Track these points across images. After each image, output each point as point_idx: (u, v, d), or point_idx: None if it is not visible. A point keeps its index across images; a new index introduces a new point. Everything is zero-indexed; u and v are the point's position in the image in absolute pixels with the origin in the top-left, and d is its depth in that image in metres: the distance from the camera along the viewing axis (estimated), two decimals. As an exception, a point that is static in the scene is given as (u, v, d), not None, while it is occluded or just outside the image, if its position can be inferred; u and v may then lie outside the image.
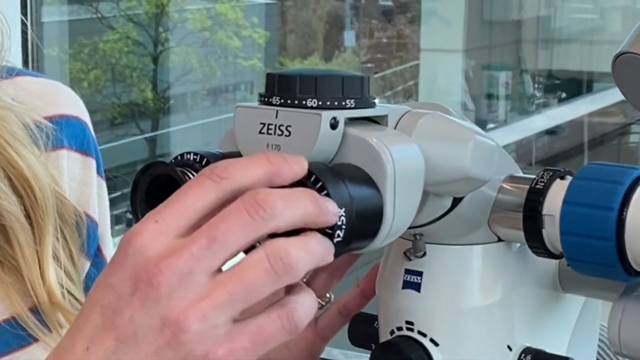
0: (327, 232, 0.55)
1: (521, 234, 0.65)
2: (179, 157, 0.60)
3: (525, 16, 7.16)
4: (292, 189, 0.54)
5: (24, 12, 2.00)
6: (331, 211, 0.54)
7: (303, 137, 0.58)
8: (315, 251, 0.54)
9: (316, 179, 0.55)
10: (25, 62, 1.99)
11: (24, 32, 1.94)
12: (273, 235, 0.54)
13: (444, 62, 6.68)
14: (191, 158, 0.59)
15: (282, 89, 0.59)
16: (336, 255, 0.56)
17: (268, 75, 0.60)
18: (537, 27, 7.16)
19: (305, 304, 0.54)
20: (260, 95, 0.61)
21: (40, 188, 0.79)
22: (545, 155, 6.92)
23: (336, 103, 0.59)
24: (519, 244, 0.67)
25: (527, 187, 0.64)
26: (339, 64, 6.94)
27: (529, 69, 7.10)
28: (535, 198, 0.64)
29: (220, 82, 6.69)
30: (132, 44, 5.92)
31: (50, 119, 0.85)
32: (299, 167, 0.55)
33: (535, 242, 0.64)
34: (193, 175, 0.58)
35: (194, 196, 0.53)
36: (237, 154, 0.60)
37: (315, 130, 0.58)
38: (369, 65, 7.12)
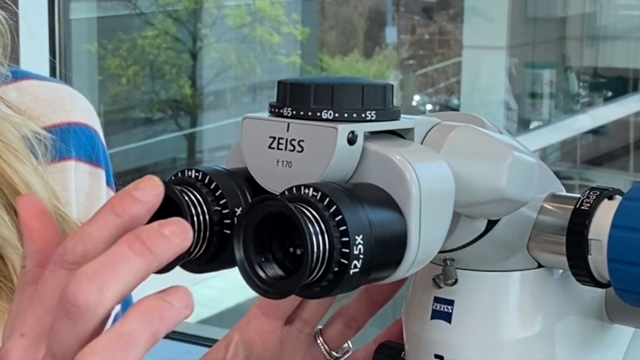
0: (343, 262, 0.49)
1: (564, 259, 0.58)
2: (178, 174, 0.53)
3: (570, 13, 7.05)
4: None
5: (51, 9, 1.96)
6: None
7: (317, 153, 0.52)
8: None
9: (330, 202, 0.49)
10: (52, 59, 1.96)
11: (52, 30, 1.90)
12: None
13: (487, 60, 6.59)
14: (192, 175, 0.53)
15: (295, 99, 0.53)
16: (354, 287, 0.50)
17: (279, 83, 0.54)
18: (582, 24, 7.05)
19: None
20: (271, 105, 0.54)
21: None
22: (591, 155, 6.82)
23: (355, 115, 0.52)
24: (561, 271, 0.61)
25: (571, 207, 0.58)
26: (379, 60, 6.88)
27: (573, 67, 6.99)
28: (580, 220, 0.57)
29: (260, 79, 6.65)
30: (171, 40, 5.90)
31: (56, 127, 0.79)
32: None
33: (580, 269, 0.58)
34: (193, 194, 0.52)
35: (37, 296, 0.50)
36: (244, 171, 0.54)
37: (330, 145, 0.51)
38: (411, 62, 7.05)
